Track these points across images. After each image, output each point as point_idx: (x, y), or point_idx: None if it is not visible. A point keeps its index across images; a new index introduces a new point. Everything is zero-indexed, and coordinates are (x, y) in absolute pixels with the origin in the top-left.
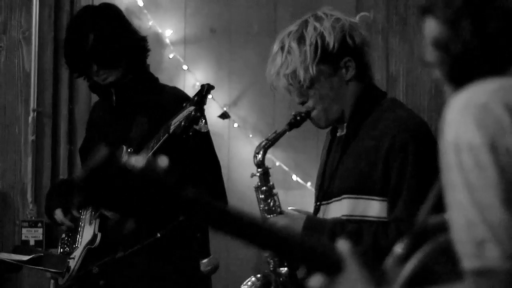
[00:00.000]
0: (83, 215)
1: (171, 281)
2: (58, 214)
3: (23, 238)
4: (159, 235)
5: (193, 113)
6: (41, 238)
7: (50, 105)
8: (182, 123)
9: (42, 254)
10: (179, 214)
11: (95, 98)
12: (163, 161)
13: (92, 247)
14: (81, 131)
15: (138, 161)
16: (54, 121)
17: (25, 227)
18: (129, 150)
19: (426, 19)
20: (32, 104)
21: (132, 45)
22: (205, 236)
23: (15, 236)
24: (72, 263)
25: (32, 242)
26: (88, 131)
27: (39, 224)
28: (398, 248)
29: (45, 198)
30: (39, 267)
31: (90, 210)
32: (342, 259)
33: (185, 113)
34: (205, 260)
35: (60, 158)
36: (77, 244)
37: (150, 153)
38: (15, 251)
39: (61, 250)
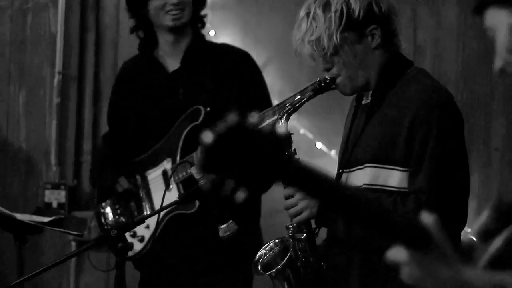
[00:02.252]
0: (140, 182)
1: (189, 244)
2: (123, 182)
3: (46, 200)
4: (177, 199)
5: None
6: (63, 200)
7: (76, 67)
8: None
9: (63, 216)
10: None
11: (121, 61)
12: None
13: (190, 212)
14: (107, 94)
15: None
16: (80, 84)
17: (48, 189)
18: (207, 110)
19: (491, 11)
20: (58, 66)
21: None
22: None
23: (38, 198)
24: (145, 232)
25: (54, 205)
26: (124, 97)
27: (62, 187)
28: (482, 222)
29: (95, 172)
30: (60, 229)
31: (160, 176)
32: (429, 233)
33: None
34: (223, 226)
35: (85, 121)
36: (147, 211)
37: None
38: (37, 212)
39: (113, 223)
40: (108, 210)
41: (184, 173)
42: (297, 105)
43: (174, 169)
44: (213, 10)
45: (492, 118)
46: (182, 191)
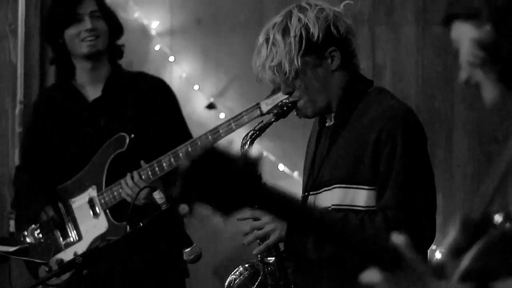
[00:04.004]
0: (63, 209)
1: (153, 271)
2: (49, 211)
3: (11, 229)
4: (141, 224)
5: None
6: None
7: (36, 97)
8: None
9: (28, 245)
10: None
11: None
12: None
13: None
14: None
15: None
16: None
17: (12, 219)
18: (131, 136)
19: (455, 25)
20: (19, 96)
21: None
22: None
23: (3, 228)
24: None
25: None
26: (44, 126)
27: None
28: (451, 240)
29: (18, 200)
30: (25, 258)
31: (86, 204)
32: (400, 253)
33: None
34: (187, 249)
35: None
36: (73, 238)
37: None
38: (1, 242)
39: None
40: (30, 239)
41: (112, 200)
42: (260, 129)
43: (137, 194)
44: (172, 35)
45: (452, 134)
46: (110, 218)
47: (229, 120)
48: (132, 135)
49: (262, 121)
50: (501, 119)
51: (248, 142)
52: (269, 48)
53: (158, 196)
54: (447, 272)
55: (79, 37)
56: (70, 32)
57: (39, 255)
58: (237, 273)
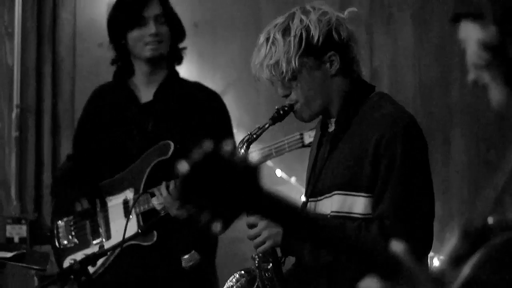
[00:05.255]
0: (99, 206)
1: (152, 277)
2: (84, 202)
3: (7, 235)
4: (140, 230)
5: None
6: (25, 235)
7: (33, 100)
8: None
9: (25, 251)
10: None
11: (78, 93)
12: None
13: (148, 244)
14: (65, 126)
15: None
16: (38, 117)
17: (9, 224)
18: (177, 146)
19: (462, 24)
20: (16, 100)
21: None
22: (188, 232)
23: None
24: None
25: (16, 239)
26: (94, 122)
27: (23, 221)
28: (452, 248)
29: (56, 190)
30: (22, 264)
31: (121, 204)
32: (399, 262)
33: None
34: (186, 256)
35: (44, 153)
36: (102, 237)
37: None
38: None
39: (66, 242)
40: (62, 229)
41: (146, 206)
42: (256, 134)
43: (135, 200)
44: None
45: (450, 140)
46: (141, 223)
47: (269, 146)
48: (178, 146)
49: (259, 126)
50: (499, 125)
51: (244, 147)
52: (268, 47)
53: (156, 202)
54: (447, 281)
55: (143, 41)
56: (133, 35)
57: (35, 262)
58: (234, 280)
